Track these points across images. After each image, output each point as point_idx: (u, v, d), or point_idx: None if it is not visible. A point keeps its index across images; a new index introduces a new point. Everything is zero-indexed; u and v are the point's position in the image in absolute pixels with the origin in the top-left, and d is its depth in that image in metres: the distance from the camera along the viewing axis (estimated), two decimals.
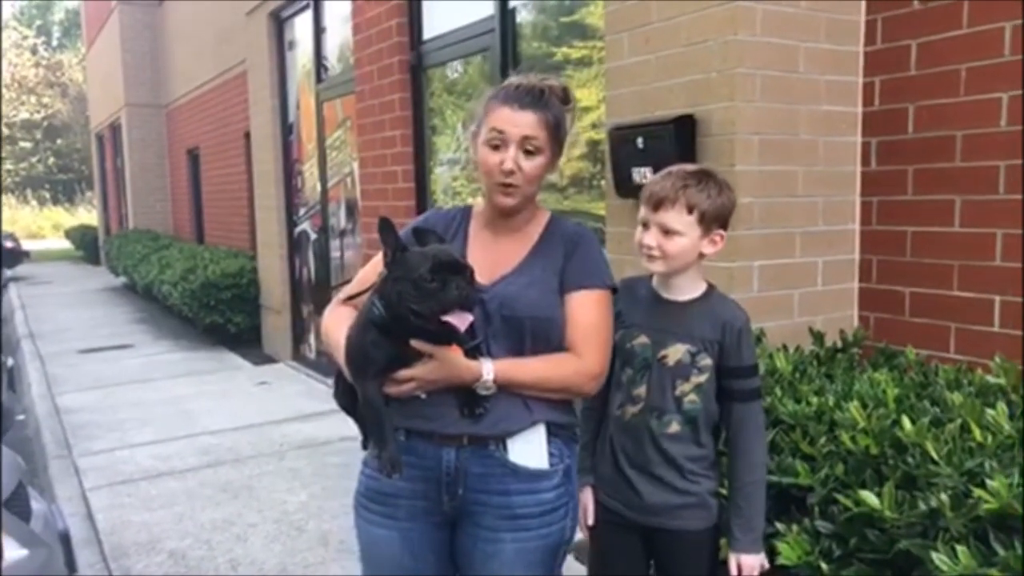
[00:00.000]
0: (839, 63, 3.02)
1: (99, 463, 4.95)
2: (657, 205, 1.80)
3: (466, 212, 1.90)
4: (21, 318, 11.04)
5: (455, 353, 1.65)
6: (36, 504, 2.79)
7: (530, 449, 1.74)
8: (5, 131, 33.99)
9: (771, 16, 2.84)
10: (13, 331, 10.19)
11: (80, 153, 33.69)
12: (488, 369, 1.67)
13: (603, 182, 3.69)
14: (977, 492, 1.62)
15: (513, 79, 1.79)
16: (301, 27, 7.36)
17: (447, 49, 4.96)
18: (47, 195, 35.64)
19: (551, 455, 1.76)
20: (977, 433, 1.83)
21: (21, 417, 6.34)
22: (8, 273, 16.21)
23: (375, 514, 1.82)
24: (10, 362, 6.14)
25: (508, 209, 1.78)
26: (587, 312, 1.75)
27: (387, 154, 5.42)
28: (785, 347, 2.61)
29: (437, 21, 5.05)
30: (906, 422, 1.88)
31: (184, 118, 13.26)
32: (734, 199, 1.85)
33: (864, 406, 2.05)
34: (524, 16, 4.42)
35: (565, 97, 1.79)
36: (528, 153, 1.72)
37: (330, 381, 2.09)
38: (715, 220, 1.81)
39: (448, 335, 1.63)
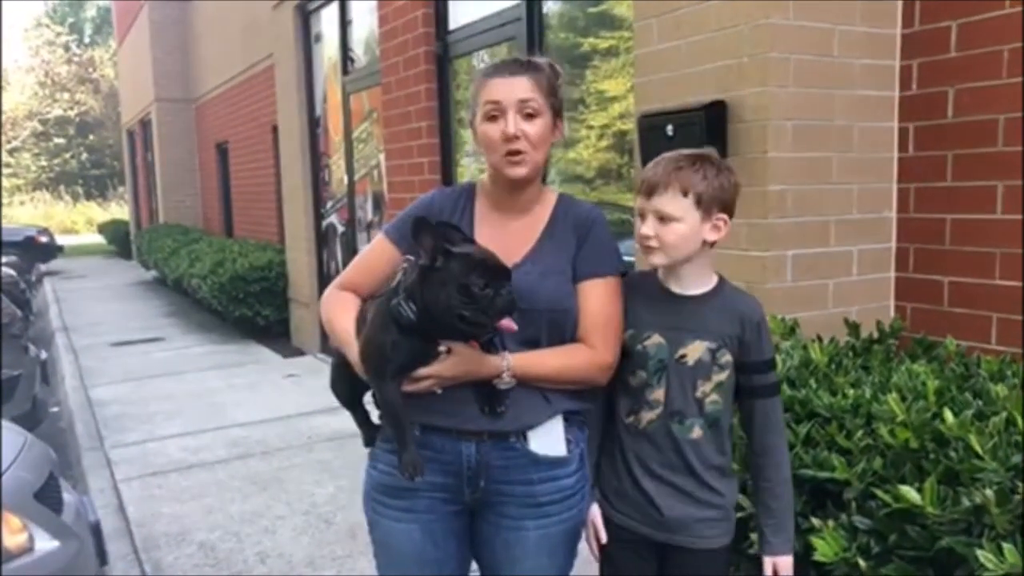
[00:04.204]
0: (876, 46, 2.94)
1: (130, 455, 5.00)
2: (651, 191, 1.67)
3: (471, 191, 1.85)
4: (55, 312, 11.22)
5: (473, 349, 1.63)
6: (68, 496, 2.81)
7: (549, 438, 1.73)
8: (39, 127, 34.56)
9: None
10: (47, 324, 10.35)
11: (112, 148, 34.12)
12: (507, 364, 1.64)
13: (632, 172, 3.64)
14: None
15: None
16: (327, 20, 7.37)
17: (473, 39, 4.92)
18: (80, 190, 36.17)
19: (567, 441, 1.75)
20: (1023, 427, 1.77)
21: (55, 409, 6.42)
22: (43, 268, 16.49)
23: (392, 508, 1.80)
24: (44, 355, 6.21)
25: (520, 180, 1.72)
26: (600, 301, 1.73)
27: (413, 146, 5.40)
28: (819, 338, 2.55)
29: (463, 11, 5.01)
30: (948, 415, 1.82)
31: (213, 112, 13.36)
32: (735, 181, 1.72)
33: (903, 398, 1.98)
34: (551, 6, 4.37)
35: (553, 71, 1.75)
36: (528, 116, 1.68)
37: None
38: (714, 203, 1.66)
39: (467, 332, 1.59)
